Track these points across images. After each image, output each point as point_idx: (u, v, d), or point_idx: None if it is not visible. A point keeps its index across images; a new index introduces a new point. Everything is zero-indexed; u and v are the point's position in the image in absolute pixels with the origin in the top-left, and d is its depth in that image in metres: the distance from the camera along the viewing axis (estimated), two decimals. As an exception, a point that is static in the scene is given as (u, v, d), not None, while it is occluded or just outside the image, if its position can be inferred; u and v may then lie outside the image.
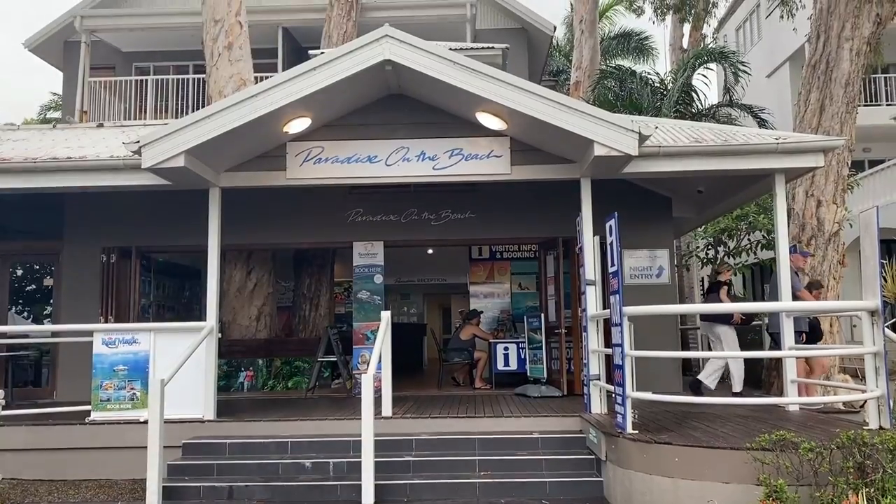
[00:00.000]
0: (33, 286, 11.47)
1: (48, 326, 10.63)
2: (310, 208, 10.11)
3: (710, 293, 9.34)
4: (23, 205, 9.47)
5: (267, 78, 8.05)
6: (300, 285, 12.51)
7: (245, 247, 10.96)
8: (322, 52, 8.94)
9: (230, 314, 11.61)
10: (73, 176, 8.21)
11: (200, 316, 8.86)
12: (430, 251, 14.30)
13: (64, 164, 8.18)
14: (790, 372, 7.75)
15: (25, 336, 10.25)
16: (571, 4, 22.47)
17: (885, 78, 20.65)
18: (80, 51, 15.47)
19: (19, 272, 11.38)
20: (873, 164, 18.58)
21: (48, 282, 11.15)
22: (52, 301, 10.97)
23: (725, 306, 8.54)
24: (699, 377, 9.02)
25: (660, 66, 51.76)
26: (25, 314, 11.31)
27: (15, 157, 8.49)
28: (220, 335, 8.42)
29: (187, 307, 13.13)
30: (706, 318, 9.33)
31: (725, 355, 8.86)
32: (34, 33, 16.61)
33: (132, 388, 7.93)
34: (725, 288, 9.16)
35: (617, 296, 6.47)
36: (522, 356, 10.61)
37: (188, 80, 15.59)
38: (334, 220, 10.29)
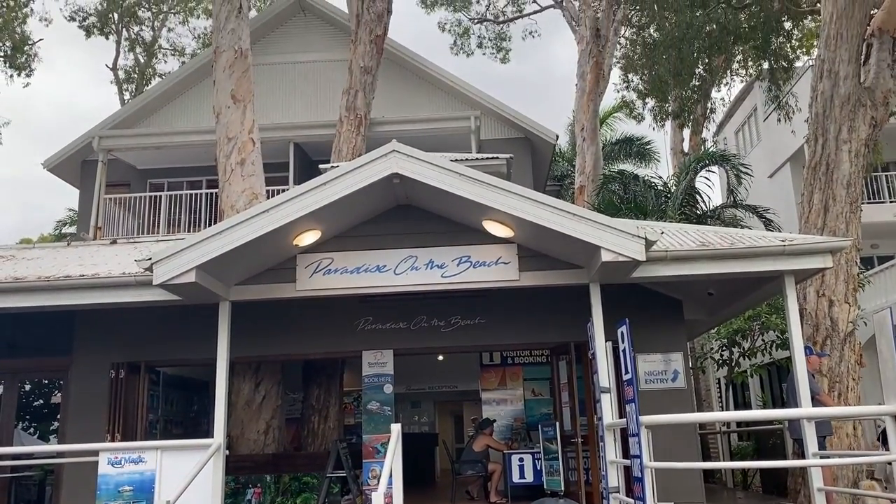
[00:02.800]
0: (41, 401, 11.35)
1: (53, 447, 10.41)
2: (318, 318, 10.05)
3: None
4: (34, 321, 9.51)
5: (278, 191, 8.25)
6: (309, 396, 12.30)
7: (254, 359, 10.86)
8: (333, 166, 9.22)
9: (238, 428, 11.38)
10: (86, 294, 8.31)
11: (208, 431, 8.70)
12: (440, 358, 14.15)
13: (76, 282, 8.29)
14: (816, 480, 7.47)
15: (30, 455, 10.05)
16: (573, 113, 23.21)
17: (887, 176, 20.96)
18: (97, 169, 15.94)
19: (27, 387, 11.29)
20: (882, 259, 18.59)
21: (56, 399, 11.03)
22: (59, 417, 10.82)
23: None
24: None
25: (662, 169, 52.76)
26: (32, 430, 11.13)
27: (29, 275, 8.62)
28: (227, 451, 8.23)
29: (195, 421, 12.91)
30: None
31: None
32: (53, 154, 17.11)
33: (137, 510, 7.69)
34: None
35: (633, 405, 6.33)
36: (538, 467, 10.27)
37: (201, 194, 15.93)
38: (343, 329, 10.22)
